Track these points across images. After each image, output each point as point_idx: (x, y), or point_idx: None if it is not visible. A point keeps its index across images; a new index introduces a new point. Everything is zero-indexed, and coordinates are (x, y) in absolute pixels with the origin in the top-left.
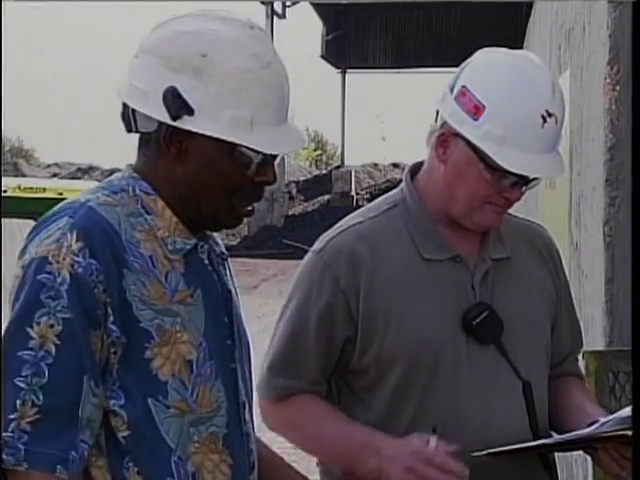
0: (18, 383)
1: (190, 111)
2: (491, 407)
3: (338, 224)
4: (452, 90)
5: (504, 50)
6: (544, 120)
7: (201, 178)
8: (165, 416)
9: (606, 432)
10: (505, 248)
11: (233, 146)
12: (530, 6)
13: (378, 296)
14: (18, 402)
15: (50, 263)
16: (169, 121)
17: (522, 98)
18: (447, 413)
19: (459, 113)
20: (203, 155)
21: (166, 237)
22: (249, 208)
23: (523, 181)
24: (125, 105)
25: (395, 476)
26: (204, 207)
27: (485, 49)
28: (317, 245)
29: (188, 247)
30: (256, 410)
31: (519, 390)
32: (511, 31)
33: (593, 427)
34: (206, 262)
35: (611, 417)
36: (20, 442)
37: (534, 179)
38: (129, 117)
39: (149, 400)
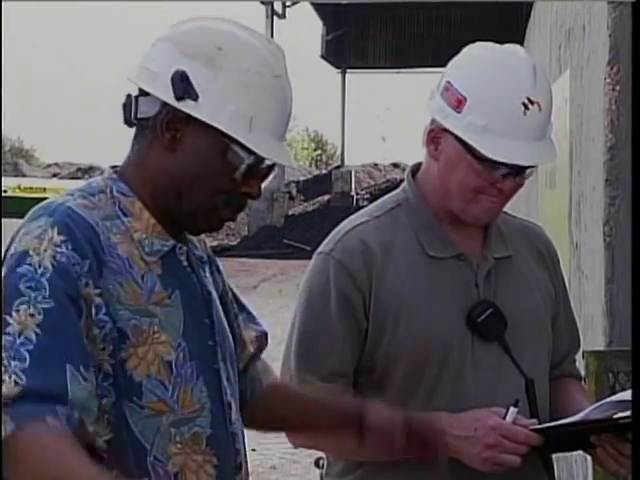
0: None
1: (195, 96)
2: (494, 404)
3: (342, 224)
4: (439, 87)
5: (488, 44)
6: (526, 107)
7: (189, 171)
8: (139, 417)
9: (597, 418)
10: (507, 247)
11: (227, 145)
12: (530, 6)
13: (387, 294)
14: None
15: (30, 256)
16: (173, 101)
17: (501, 87)
18: (452, 410)
19: (444, 108)
20: (196, 148)
21: (143, 239)
22: (231, 214)
23: (514, 171)
24: (128, 95)
25: (474, 454)
26: (186, 203)
27: (471, 44)
28: (325, 246)
29: (166, 249)
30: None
31: (522, 387)
32: (511, 31)
33: (583, 413)
34: (185, 264)
35: (599, 403)
36: (9, 414)
37: (526, 169)
38: (130, 104)
39: (124, 402)
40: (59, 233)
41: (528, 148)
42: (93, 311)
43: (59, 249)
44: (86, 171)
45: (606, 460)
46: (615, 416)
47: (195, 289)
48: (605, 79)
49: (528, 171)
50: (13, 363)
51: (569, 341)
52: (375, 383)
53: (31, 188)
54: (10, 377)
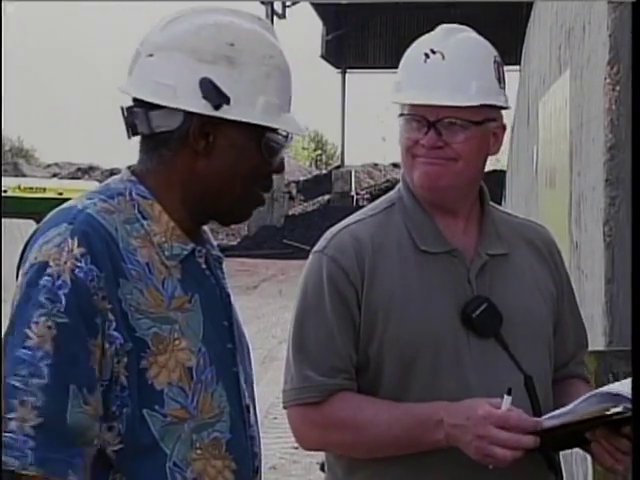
0: (14, 382)
1: (227, 100)
2: None
3: (339, 224)
4: None
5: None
6: (427, 56)
7: (229, 169)
8: (162, 425)
9: (590, 416)
10: (503, 245)
11: (261, 134)
12: (530, 6)
13: (379, 289)
14: (16, 402)
15: (50, 266)
16: (211, 112)
17: (414, 45)
18: None
19: None
20: (232, 146)
21: (163, 243)
22: (263, 197)
23: (426, 122)
24: (128, 109)
25: (466, 443)
26: (226, 199)
27: None
28: (319, 245)
29: (185, 252)
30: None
31: (521, 384)
32: (511, 31)
33: (573, 404)
34: (203, 266)
35: (588, 395)
36: (27, 447)
37: (438, 121)
38: (134, 121)
39: (144, 411)
40: (79, 245)
41: (426, 93)
42: (106, 326)
43: (78, 263)
44: (86, 171)
45: (601, 455)
46: (607, 412)
47: (214, 291)
48: (605, 79)
49: (439, 119)
50: (32, 380)
51: (575, 342)
52: (370, 379)
53: (31, 188)
54: (27, 397)
